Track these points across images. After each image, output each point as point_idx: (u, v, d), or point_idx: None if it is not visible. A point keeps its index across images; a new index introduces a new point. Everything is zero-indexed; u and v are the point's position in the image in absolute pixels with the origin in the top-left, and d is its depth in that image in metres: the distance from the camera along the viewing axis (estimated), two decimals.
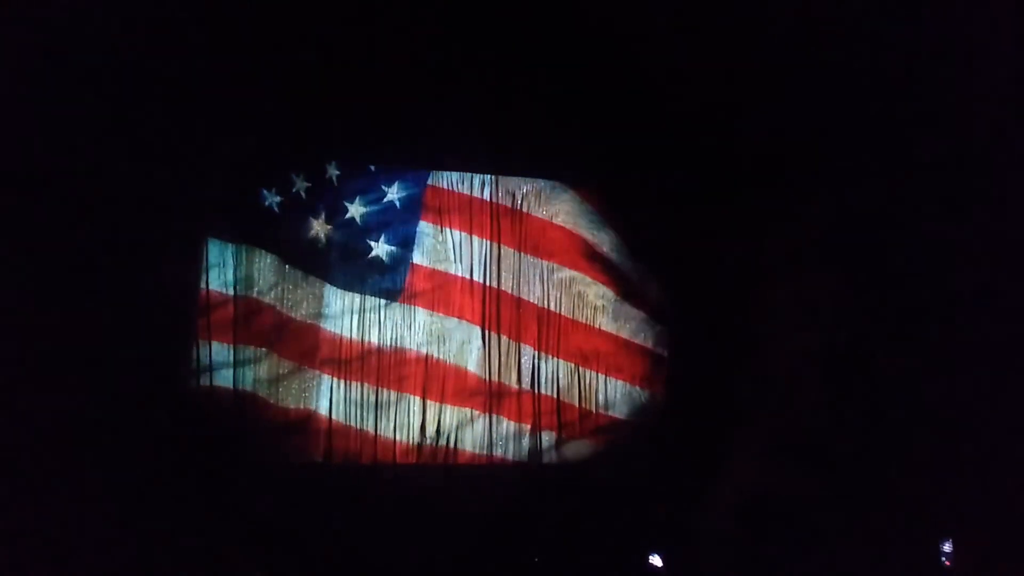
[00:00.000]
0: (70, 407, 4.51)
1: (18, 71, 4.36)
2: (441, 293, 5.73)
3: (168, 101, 4.92)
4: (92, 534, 4.33)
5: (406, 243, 5.69)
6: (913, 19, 4.44)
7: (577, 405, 5.88)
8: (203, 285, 5.29)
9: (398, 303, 5.64)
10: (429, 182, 5.75)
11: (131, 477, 4.56)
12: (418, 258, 5.70)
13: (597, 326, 5.94)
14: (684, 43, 5.00)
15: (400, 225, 5.69)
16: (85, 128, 4.64)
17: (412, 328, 5.66)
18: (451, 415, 5.68)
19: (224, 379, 5.31)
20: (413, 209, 5.72)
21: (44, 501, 4.29)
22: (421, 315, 5.68)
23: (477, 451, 5.70)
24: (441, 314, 5.72)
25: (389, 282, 5.65)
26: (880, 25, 4.55)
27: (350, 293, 5.57)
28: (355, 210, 5.61)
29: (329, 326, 5.54)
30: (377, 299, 5.62)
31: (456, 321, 5.75)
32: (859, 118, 4.99)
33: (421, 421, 5.61)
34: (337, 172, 5.59)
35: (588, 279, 5.92)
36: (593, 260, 5.93)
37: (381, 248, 5.65)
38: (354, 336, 5.56)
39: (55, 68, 4.48)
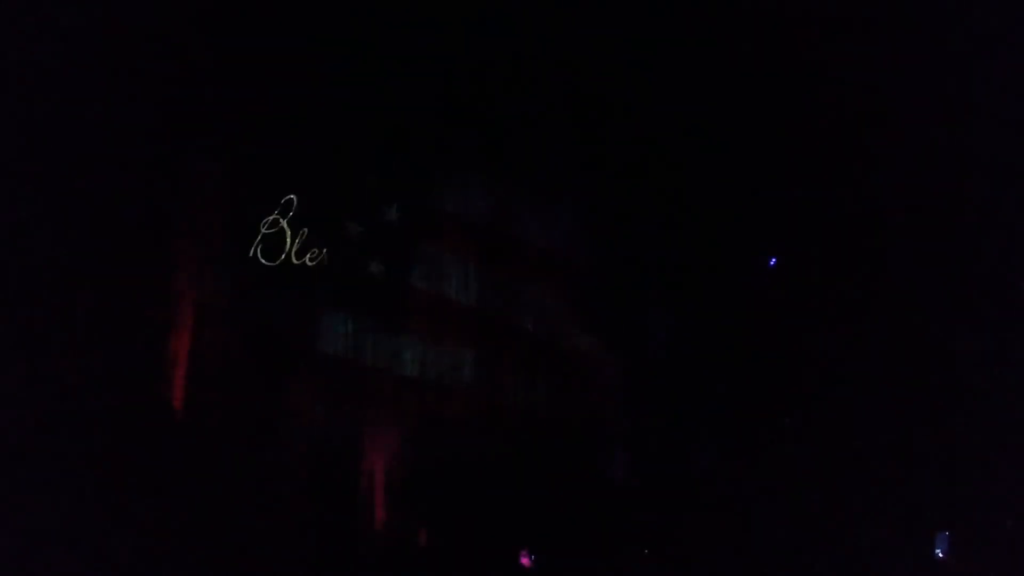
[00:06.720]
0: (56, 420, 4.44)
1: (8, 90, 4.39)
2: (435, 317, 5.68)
3: (169, 116, 4.93)
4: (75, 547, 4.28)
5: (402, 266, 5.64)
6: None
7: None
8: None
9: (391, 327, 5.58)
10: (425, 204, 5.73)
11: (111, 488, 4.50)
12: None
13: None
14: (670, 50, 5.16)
15: (395, 248, 5.63)
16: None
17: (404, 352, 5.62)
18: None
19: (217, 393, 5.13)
20: (408, 232, 5.67)
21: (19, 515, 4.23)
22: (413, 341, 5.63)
23: None
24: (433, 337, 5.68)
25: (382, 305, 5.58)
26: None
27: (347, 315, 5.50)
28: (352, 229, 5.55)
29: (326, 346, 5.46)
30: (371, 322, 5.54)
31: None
32: (853, 120, 5.12)
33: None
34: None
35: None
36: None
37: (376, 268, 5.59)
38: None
39: (54, 84, 4.48)
